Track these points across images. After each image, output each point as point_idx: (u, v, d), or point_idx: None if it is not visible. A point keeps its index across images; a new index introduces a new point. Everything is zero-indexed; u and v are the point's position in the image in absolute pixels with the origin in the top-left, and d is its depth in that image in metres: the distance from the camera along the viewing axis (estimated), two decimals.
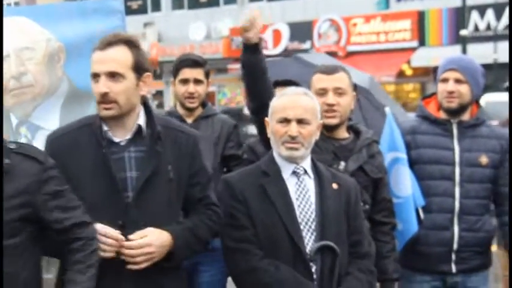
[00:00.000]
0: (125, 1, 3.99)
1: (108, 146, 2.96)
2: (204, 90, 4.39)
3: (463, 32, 23.61)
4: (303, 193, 3.10)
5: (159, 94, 35.51)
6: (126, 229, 2.92)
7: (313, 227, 3.06)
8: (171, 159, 3.02)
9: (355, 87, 3.72)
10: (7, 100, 3.69)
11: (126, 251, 2.89)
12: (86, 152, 2.95)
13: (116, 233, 2.89)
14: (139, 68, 2.99)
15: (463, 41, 23.44)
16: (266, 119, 3.19)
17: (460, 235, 3.87)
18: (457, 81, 3.88)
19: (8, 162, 2.68)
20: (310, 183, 3.14)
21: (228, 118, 4.62)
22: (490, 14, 26.55)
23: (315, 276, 3.03)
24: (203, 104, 4.47)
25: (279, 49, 30.03)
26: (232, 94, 33.28)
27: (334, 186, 3.15)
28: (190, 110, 4.39)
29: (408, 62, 28.10)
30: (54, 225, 2.76)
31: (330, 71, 3.63)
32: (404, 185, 3.85)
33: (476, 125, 3.95)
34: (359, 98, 4.82)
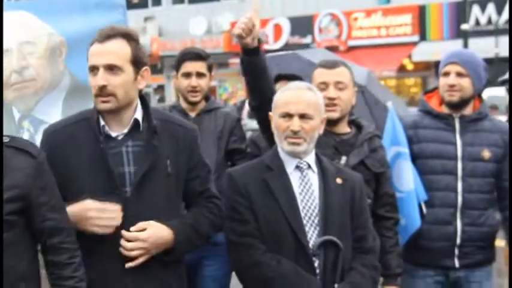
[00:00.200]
0: None
1: (106, 140, 2.96)
2: (206, 83, 4.38)
3: (464, 27, 23.54)
4: (306, 188, 3.10)
5: (160, 88, 35.48)
6: (125, 224, 2.93)
7: (316, 221, 3.06)
8: (169, 153, 3.02)
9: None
10: (9, 94, 3.69)
11: (123, 242, 2.90)
12: (84, 146, 2.96)
13: (115, 207, 2.90)
14: (137, 62, 2.98)
15: (464, 36, 23.39)
16: (270, 113, 3.19)
17: (463, 230, 3.87)
18: (459, 74, 3.88)
19: None
20: (314, 178, 3.13)
21: (231, 112, 4.61)
22: (491, 8, 26.49)
23: (317, 271, 3.03)
24: (206, 98, 4.46)
25: (280, 43, 29.99)
26: (233, 89, 33.25)
27: (339, 181, 3.15)
28: (193, 104, 4.38)
29: (409, 57, 28.05)
30: (36, 221, 2.75)
31: (331, 65, 3.63)
32: (407, 180, 3.85)
33: (479, 119, 3.95)
34: (364, 93, 4.82)
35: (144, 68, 3.03)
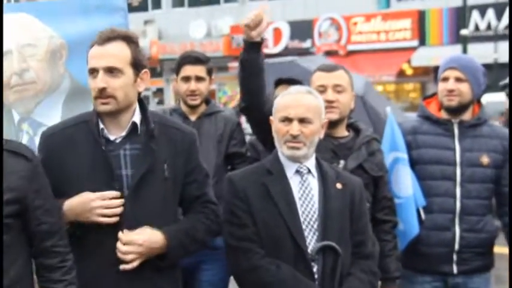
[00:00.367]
0: None
1: (104, 143, 2.96)
2: (206, 87, 4.37)
3: (464, 32, 23.56)
4: (306, 192, 3.10)
5: (159, 92, 35.48)
6: (122, 226, 2.93)
7: (315, 226, 3.05)
8: (166, 157, 3.02)
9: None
10: (9, 96, 3.69)
11: (119, 245, 2.90)
12: (83, 149, 2.95)
13: (113, 193, 2.90)
14: (137, 64, 2.98)
15: (463, 41, 23.41)
16: (271, 117, 3.18)
17: (461, 236, 3.86)
18: (457, 79, 3.88)
19: None
20: (313, 182, 3.13)
21: (231, 116, 4.61)
22: (490, 13, 26.50)
23: (316, 276, 3.02)
24: (207, 102, 4.46)
25: (280, 48, 29.98)
26: (232, 92, 33.24)
27: (339, 185, 3.14)
28: (193, 108, 4.38)
29: (408, 62, 28.05)
30: (31, 225, 2.74)
31: (329, 68, 3.65)
32: (405, 185, 3.84)
33: (478, 125, 3.94)
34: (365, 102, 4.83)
35: (144, 70, 3.03)
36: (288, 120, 3.07)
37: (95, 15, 3.79)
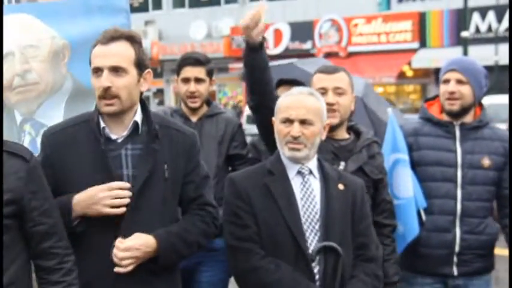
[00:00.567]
0: None
1: (106, 143, 2.96)
2: (205, 88, 4.37)
3: (464, 34, 23.57)
4: (307, 193, 3.09)
5: (159, 92, 35.50)
6: (121, 227, 2.93)
7: (316, 227, 3.05)
8: (167, 157, 3.02)
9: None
10: (11, 97, 3.69)
11: (115, 252, 2.90)
12: (84, 148, 2.95)
13: (121, 184, 2.90)
14: (141, 64, 2.99)
15: (464, 43, 23.42)
16: (273, 118, 3.18)
17: (461, 237, 3.86)
18: (459, 82, 3.88)
19: None
20: (315, 183, 3.13)
21: (232, 117, 4.61)
22: (491, 15, 26.51)
23: (317, 276, 3.02)
24: (208, 103, 4.46)
25: (280, 49, 30.01)
26: (232, 93, 33.28)
27: (340, 186, 3.14)
28: (193, 109, 4.38)
29: (409, 63, 28.06)
30: (27, 226, 2.73)
31: (330, 70, 3.64)
32: (406, 187, 3.84)
33: (479, 127, 3.94)
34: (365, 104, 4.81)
35: (147, 70, 3.03)
36: (289, 121, 3.08)
37: (97, 16, 3.79)
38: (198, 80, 4.33)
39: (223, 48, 32.27)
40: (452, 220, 3.87)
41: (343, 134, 3.65)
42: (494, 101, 14.27)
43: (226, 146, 4.35)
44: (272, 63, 4.80)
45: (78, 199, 2.92)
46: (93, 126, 2.98)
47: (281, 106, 3.13)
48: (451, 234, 3.87)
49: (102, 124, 2.98)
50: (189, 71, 4.33)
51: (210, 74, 4.40)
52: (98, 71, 2.94)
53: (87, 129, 2.99)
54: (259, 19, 3.31)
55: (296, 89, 3.24)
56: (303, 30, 30.40)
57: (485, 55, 22.68)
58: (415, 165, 3.91)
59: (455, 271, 3.89)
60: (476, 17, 26.64)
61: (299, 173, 3.12)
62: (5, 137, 2.90)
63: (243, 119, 18.97)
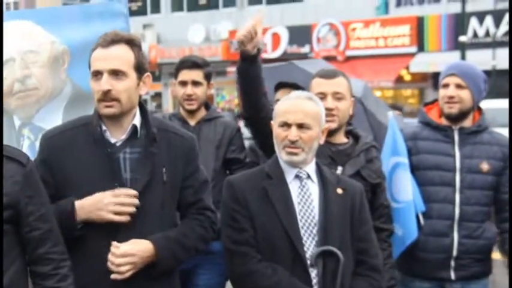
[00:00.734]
0: None
1: (106, 146, 2.96)
2: (203, 92, 4.37)
3: (462, 38, 23.62)
4: (305, 197, 3.09)
5: (157, 96, 35.51)
6: (120, 230, 2.93)
7: (314, 232, 3.04)
8: (165, 161, 3.01)
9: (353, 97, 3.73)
10: (11, 103, 3.69)
11: (112, 258, 2.89)
12: (82, 151, 2.95)
13: (128, 191, 2.90)
14: (140, 68, 2.99)
15: (462, 47, 23.46)
16: (272, 122, 3.19)
17: (459, 242, 3.86)
18: (458, 86, 3.88)
19: None
20: (313, 187, 3.12)
21: (231, 121, 4.61)
22: (489, 20, 26.58)
23: (314, 281, 3.01)
24: (207, 107, 4.46)
25: (278, 53, 30.04)
26: (230, 97, 33.29)
27: (339, 191, 3.14)
28: (190, 112, 4.38)
29: (407, 68, 28.11)
30: (23, 231, 2.72)
31: (329, 75, 3.63)
32: (405, 190, 3.84)
33: (478, 132, 3.95)
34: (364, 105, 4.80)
35: (146, 74, 3.04)
36: (286, 125, 3.07)
37: (97, 20, 3.79)
38: (195, 83, 4.33)
39: (222, 51, 32.30)
40: (451, 224, 3.87)
41: (341, 139, 3.65)
42: (492, 106, 14.28)
43: (224, 150, 4.35)
44: (271, 65, 4.78)
45: (82, 204, 2.91)
46: (92, 130, 2.97)
47: (279, 110, 3.13)
48: (449, 238, 3.87)
49: (104, 127, 2.98)
50: (187, 74, 4.34)
51: (207, 77, 4.40)
52: (97, 74, 2.93)
53: (85, 133, 2.98)
54: (255, 33, 3.32)
55: (294, 93, 3.24)
56: (301, 34, 30.45)
57: (483, 60, 22.71)
58: (414, 169, 3.91)
59: (452, 275, 3.89)
60: (474, 22, 26.71)
61: (297, 177, 3.11)
62: (4, 141, 2.89)
63: (241, 123, 18.95)
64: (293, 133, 3.05)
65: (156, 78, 32.52)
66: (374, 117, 4.96)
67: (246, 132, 3.98)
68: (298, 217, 3.04)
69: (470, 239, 3.87)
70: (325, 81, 3.60)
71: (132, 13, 33.05)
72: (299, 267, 3.00)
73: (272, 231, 3.02)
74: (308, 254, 3.01)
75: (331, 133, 3.52)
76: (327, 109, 3.45)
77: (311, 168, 3.15)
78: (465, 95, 3.88)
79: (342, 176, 3.35)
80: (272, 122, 3.18)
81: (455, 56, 23.25)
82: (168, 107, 33.27)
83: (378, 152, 3.75)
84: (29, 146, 3.72)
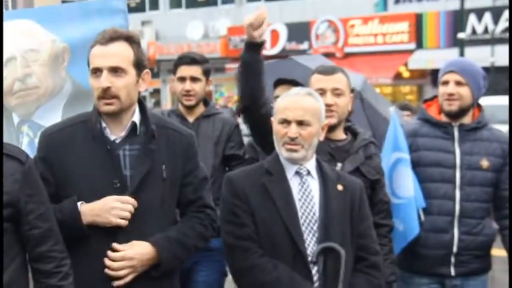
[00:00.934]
0: None
1: (105, 143, 2.95)
2: (201, 88, 4.37)
3: (461, 35, 23.61)
4: (305, 194, 3.09)
5: (156, 92, 35.47)
6: (120, 229, 2.93)
7: (315, 228, 3.05)
8: (165, 158, 3.01)
9: (353, 90, 3.73)
10: (11, 101, 3.68)
11: (109, 263, 2.89)
12: (82, 148, 2.95)
13: (126, 198, 2.90)
14: (139, 65, 2.99)
15: (460, 44, 23.45)
16: (272, 118, 3.18)
17: (459, 238, 3.87)
18: (458, 83, 3.88)
19: None
20: (313, 184, 3.12)
21: (229, 118, 4.61)
22: (487, 17, 26.55)
23: (315, 278, 3.01)
24: (205, 103, 4.46)
25: (277, 49, 29.98)
26: (229, 93, 33.26)
27: (340, 187, 3.14)
28: (189, 108, 4.38)
29: (405, 64, 28.08)
30: (23, 229, 2.72)
31: (328, 71, 3.64)
32: (407, 186, 3.84)
33: (478, 128, 3.95)
34: (363, 100, 4.80)
35: (145, 71, 3.04)
36: (286, 122, 3.07)
37: (96, 18, 3.78)
38: (193, 79, 4.34)
39: (220, 48, 32.26)
40: (451, 221, 3.87)
41: (340, 135, 3.66)
42: (491, 102, 14.28)
43: (222, 147, 4.35)
44: (270, 61, 4.77)
45: (89, 206, 2.90)
46: (91, 126, 2.97)
47: (279, 107, 3.13)
48: (449, 234, 3.87)
49: (103, 124, 2.97)
50: (185, 70, 4.35)
51: (206, 73, 4.40)
52: (97, 71, 2.93)
53: (85, 130, 2.98)
54: (263, 20, 3.33)
55: (294, 90, 3.24)
56: (299, 31, 30.41)
57: (481, 56, 22.71)
58: (414, 165, 3.91)
59: (452, 271, 3.89)
60: (472, 19, 26.68)
61: (297, 173, 3.11)
62: (4, 139, 2.89)
63: (240, 119, 18.95)
64: (293, 130, 3.05)
65: (154, 75, 32.48)
66: (374, 111, 4.95)
67: (244, 128, 3.97)
68: (299, 214, 3.05)
69: (470, 236, 3.87)
70: (324, 78, 3.60)
71: (131, 10, 32.90)
72: (300, 263, 3.00)
73: (273, 228, 3.02)
74: (309, 251, 3.01)
75: (330, 129, 3.52)
76: (326, 105, 3.45)
77: (311, 164, 3.15)
78: (465, 92, 3.88)
79: (342, 172, 3.35)
80: (272, 119, 3.18)
81: (453, 52, 23.25)
82: (167, 103, 33.26)
83: (376, 148, 3.75)
84: (28, 143, 3.72)
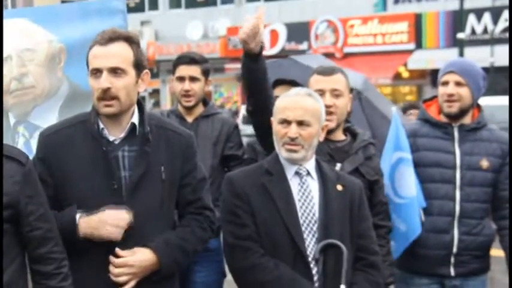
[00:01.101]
0: None
1: (104, 144, 2.95)
2: (200, 88, 4.36)
3: (460, 35, 23.61)
4: (305, 194, 3.09)
5: (155, 93, 35.48)
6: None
7: (314, 228, 3.04)
8: (163, 159, 3.00)
9: (352, 90, 3.72)
10: (8, 101, 3.68)
11: (110, 268, 2.89)
12: (81, 149, 2.94)
13: (127, 214, 2.89)
14: (139, 65, 2.98)
15: (460, 44, 23.46)
16: (272, 118, 3.18)
17: (459, 238, 3.86)
18: (457, 84, 3.87)
19: None
20: (313, 184, 3.12)
21: (228, 118, 4.60)
22: (487, 17, 26.58)
23: (315, 277, 3.01)
24: (204, 103, 4.45)
25: (276, 49, 30.00)
26: (228, 94, 33.28)
27: (339, 187, 3.14)
28: (188, 109, 4.37)
29: (405, 65, 28.11)
30: (23, 231, 2.72)
31: (327, 72, 3.63)
32: (409, 186, 3.83)
33: (477, 129, 3.94)
34: (361, 100, 4.79)
35: (145, 71, 3.02)
36: (286, 122, 3.07)
37: (95, 18, 3.77)
38: (192, 79, 4.33)
39: (220, 48, 32.28)
40: (451, 221, 3.87)
41: (339, 136, 3.65)
42: (490, 103, 14.28)
43: (221, 147, 4.34)
44: (269, 61, 4.78)
45: (88, 219, 2.89)
46: (90, 127, 2.96)
47: (279, 107, 3.12)
48: (449, 235, 3.87)
49: (101, 125, 2.97)
50: (184, 70, 4.34)
51: (205, 73, 4.39)
52: (96, 72, 2.92)
53: (83, 130, 2.97)
54: (257, 30, 3.29)
55: (294, 90, 3.23)
56: (299, 31, 30.43)
57: (481, 57, 22.73)
58: (414, 166, 3.89)
59: (452, 272, 3.89)
60: (472, 19, 26.70)
61: (297, 173, 3.11)
62: None
63: (239, 120, 18.96)
64: (293, 130, 3.04)
65: (154, 75, 32.51)
66: (375, 111, 4.94)
67: (244, 129, 3.96)
68: (299, 214, 3.05)
69: (469, 236, 3.87)
70: (323, 78, 3.60)
71: (130, 10, 32.90)
72: (300, 263, 3.00)
73: (273, 228, 3.02)
74: (309, 251, 3.01)
75: (329, 130, 3.52)
76: (326, 106, 3.45)
77: (311, 164, 3.15)
78: (464, 92, 3.87)
79: (342, 172, 3.35)
80: (272, 119, 3.17)
81: (453, 53, 23.26)
82: (166, 103, 33.28)
83: (375, 149, 3.74)
84: (24, 143, 3.71)
